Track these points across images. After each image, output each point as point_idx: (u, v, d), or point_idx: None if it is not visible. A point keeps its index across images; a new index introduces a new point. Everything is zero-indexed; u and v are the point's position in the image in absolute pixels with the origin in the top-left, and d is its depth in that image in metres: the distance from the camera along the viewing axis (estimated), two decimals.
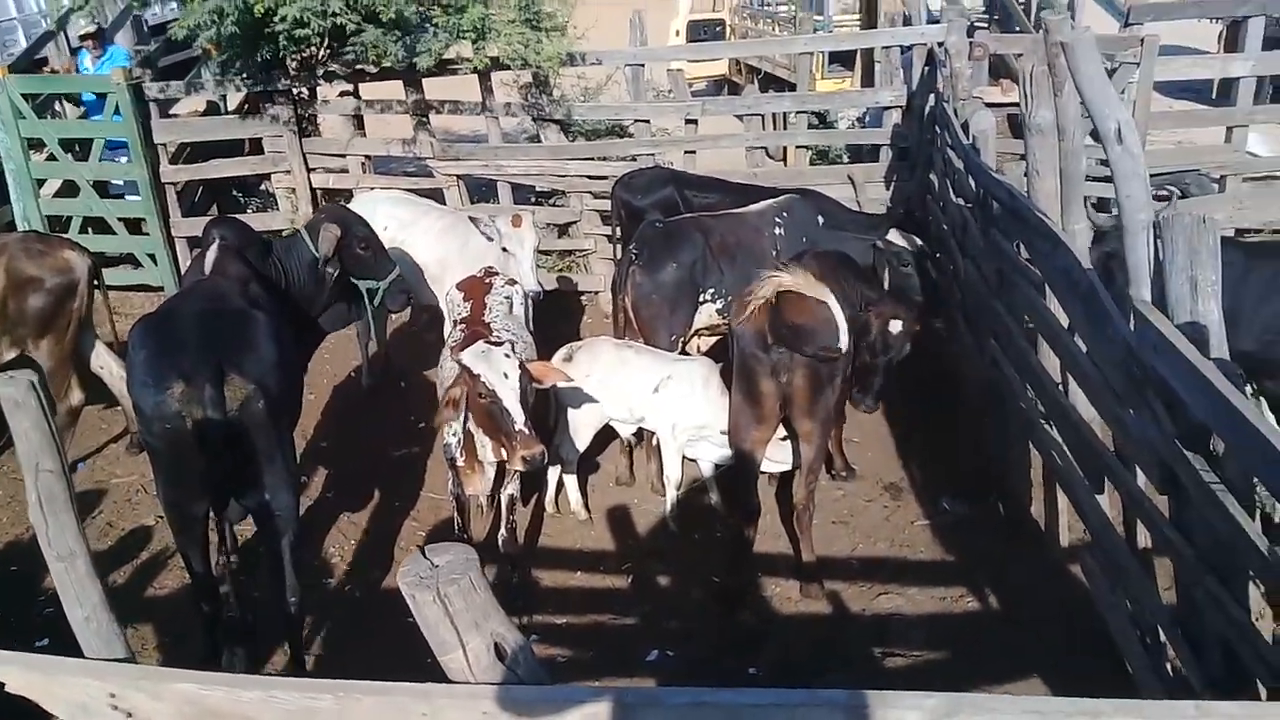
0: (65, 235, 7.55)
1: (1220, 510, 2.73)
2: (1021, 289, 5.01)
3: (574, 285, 8.63)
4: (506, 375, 4.32)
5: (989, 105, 7.13)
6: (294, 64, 8.16)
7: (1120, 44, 7.72)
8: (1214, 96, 11.71)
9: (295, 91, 8.30)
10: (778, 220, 6.43)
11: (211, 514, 4.45)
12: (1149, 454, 3.30)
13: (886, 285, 6.20)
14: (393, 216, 6.84)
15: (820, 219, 6.48)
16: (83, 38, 9.13)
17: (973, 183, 5.95)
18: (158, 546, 5.50)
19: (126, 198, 8.74)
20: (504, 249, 6.38)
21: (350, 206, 7.04)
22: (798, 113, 8.97)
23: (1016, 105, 5.44)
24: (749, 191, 7.07)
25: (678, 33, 16.74)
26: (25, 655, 2.21)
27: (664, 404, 5.40)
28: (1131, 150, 3.41)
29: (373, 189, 7.96)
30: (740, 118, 8.86)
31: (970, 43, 7.71)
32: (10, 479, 6.26)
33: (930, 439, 6.22)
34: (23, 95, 8.19)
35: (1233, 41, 8.09)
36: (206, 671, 2.14)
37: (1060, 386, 4.57)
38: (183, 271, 8.42)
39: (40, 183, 8.48)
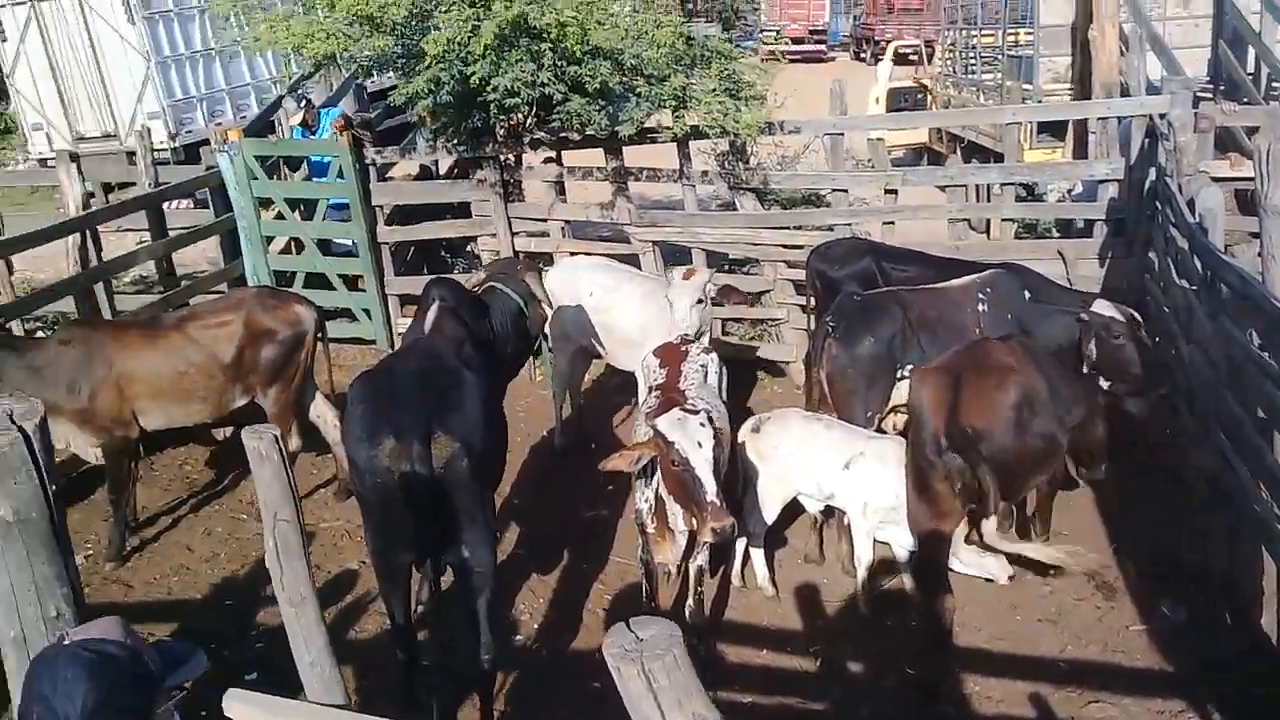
0: (292, 290, 8.09)
1: None
2: (1256, 380, 4.64)
3: (763, 355, 8.59)
4: (700, 444, 4.29)
5: (1216, 180, 6.74)
6: (502, 131, 8.54)
7: None
8: None
9: (502, 158, 8.67)
10: (981, 295, 6.20)
11: (415, 566, 4.61)
12: None
13: (1094, 358, 5.87)
14: (596, 283, 7.01)
15: (1027, 294, 6.22)
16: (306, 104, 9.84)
17: (1198, 264, 5.59)
18: (360, 590, 5.73)
19: (348, 255, 9.28)
20: (666, 296, 6.38)
21: (554, 271, 7.29)
22: (1004, 184, 8.71)
23: (1247, 180, 5.10)
24: (951, 265, 6.87)
25: (877, 100, 16.64)
26: (252, 694, 2.32)
27: (854, 482, 5.26)
28: None
29: (574, 254, 8.21)
30: (943, 188, 8.67)
31: (1195, 114, 7.31)
32: (229, 517, 6.69)
33: (1149, 535, 5.79)
34: (255, 158, 8.87)
35: None
36: None
37: None
38: (393, 326, 8.95)
39: (269, 240, 9.13)
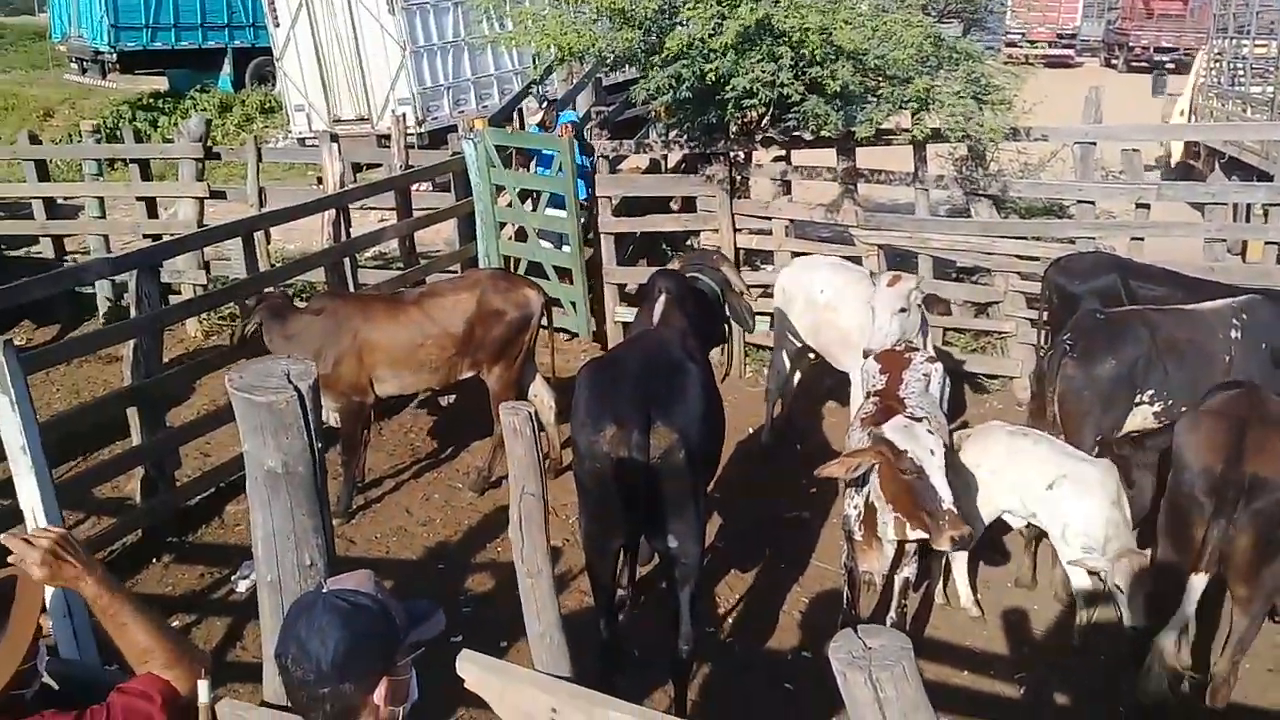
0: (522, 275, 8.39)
1: None
2: None
3: (985, 370, 8.27)
4: (933, 452, 4.21)
5: None
6: (734, 128, 8.57)
7: None
8: None
9: (732, 154, 8.70)
10: (1235, 322, 5.73)
11: (624, 550, 4.71)
12: None
13: None
14: (829, 282, 6.92)
15: None
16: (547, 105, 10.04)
17: None
18: (562, 568, 5.87)
19: (561, 248, 9.40)
20: (869, 303, 6.19)
21: (789, 269, 7.22)
22: (1269, 205, 7.99)
23: None
24: (1205, 288, 6.37)
25: (1182, 113, 15.40)
26: (488, 659, 2.42)
27: (1056, 503, 4.99)
28: None
29: (796, 255, 8.16)
30: (1199, 206, 8.06)
31: None
32: (446, 485, 7.04)
33: None
34: (495, 147, 9.21)
35: None
36: (637, 706, 2.23)
37: None
38: (608, 316, 9.12)
39: (500, 226, 9.48)
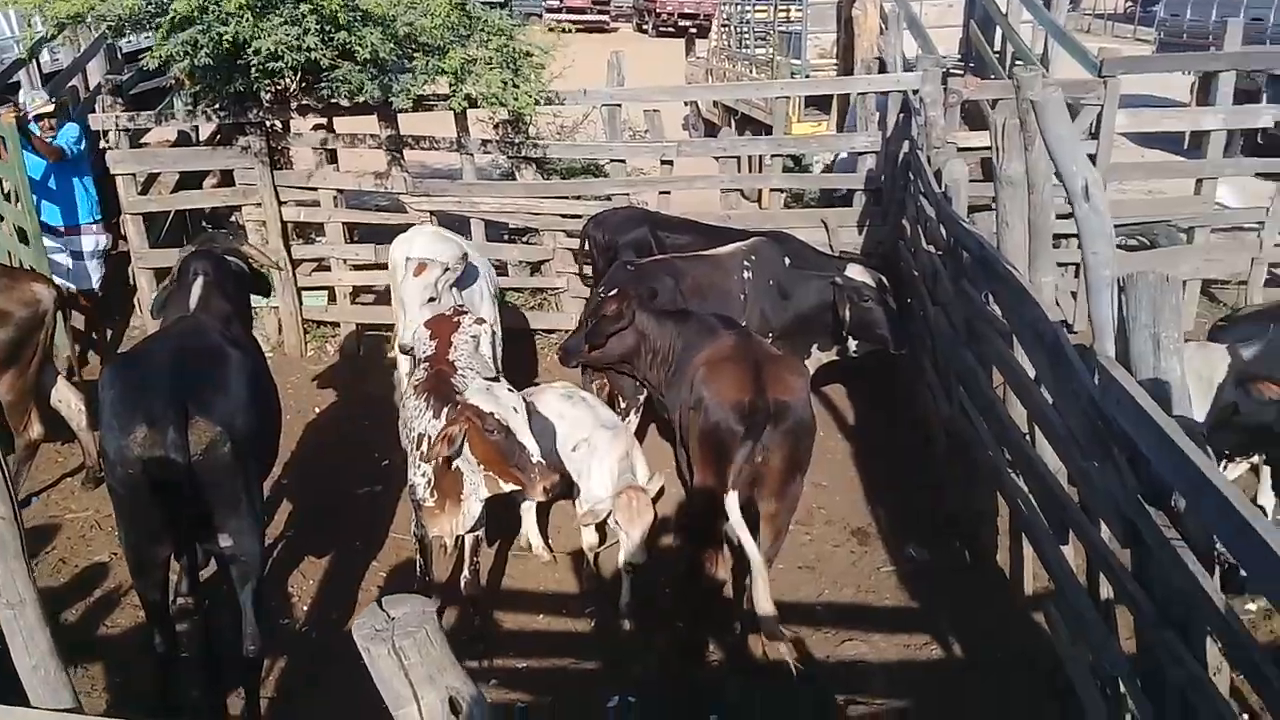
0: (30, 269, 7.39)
1: (1180, 566, 2.73)
2: (990, 339, 5.03)
3: (543, 325, 8.63)
4: (516, 409, 4.41)
5: (963, 150, 7.24)
6: (267, 96, 8.14)
7: (1084, 87, 7.88)
8: (1185, 148, 11.89)
9: (268, 124, 8.27)
10: (746, 263, 6.46)
11: (173, 557, 4.38)
12: (1112, 508, 3.30)
13: (849, 320, 6.24)
14: (425, 250, 6.62)
15: (786, 260, 6.51)
16: (38, 118, 7.77)
17: (944, 231, 6.00)
18: (111, 584, 5.40)
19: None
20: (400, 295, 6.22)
21: (399, 238, 6.80)
22: (773, 156, 9.03)
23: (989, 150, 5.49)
24: (722, 233, 7.11)
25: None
26: None
27: (576, 464, 5.31)
28: (1098, 208, 3.45)
29: (363, 225, 7.92)
30: (717, 159, 8.92)
31: (945, 90, 7.81)
32: None
33: (899, 484, 6.23)
34: None
35: (1205, 94, 8.24)
36: None
37: (1027, 437, 4.59)
38: (144, 305, 8.30)
39: None
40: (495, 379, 4.91)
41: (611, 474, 5.19)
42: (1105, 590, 3.84)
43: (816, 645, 4.87)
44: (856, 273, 6.44)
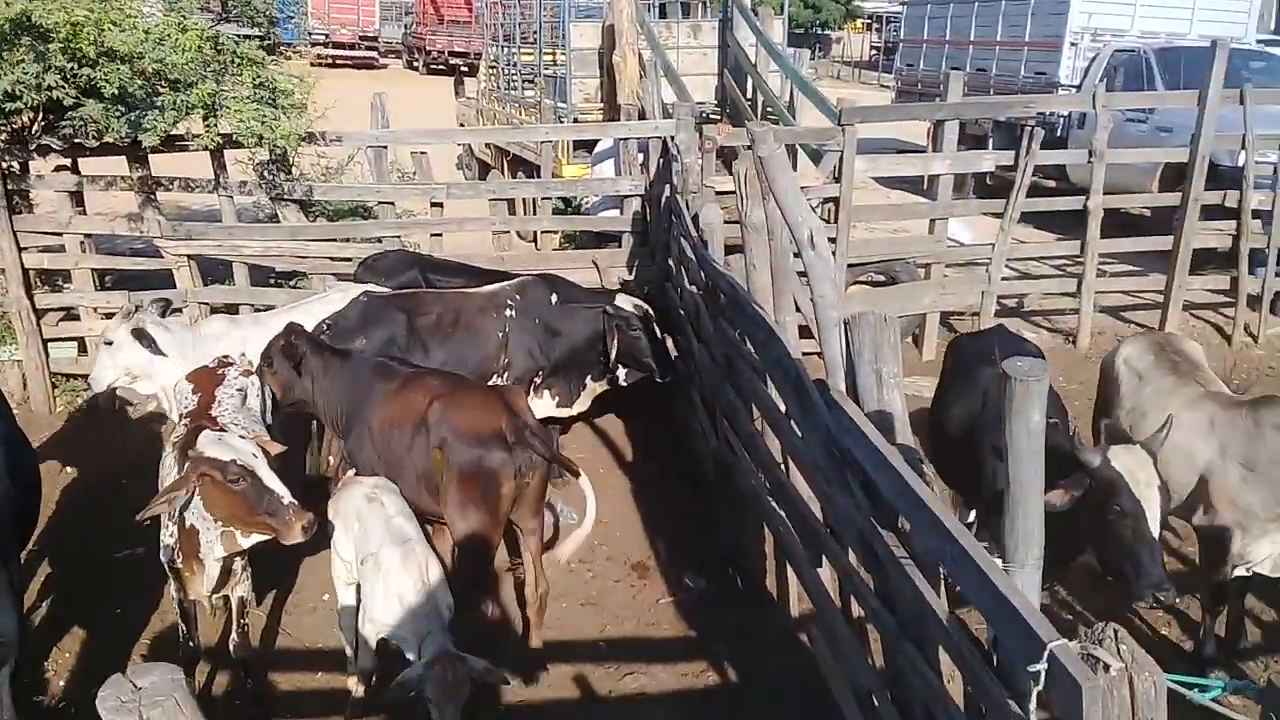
0: None
1: (909, 583, 3.03)
2: (746, 375, 5.36)
3: None
4: (256, 455, 4.17)
5: (721, 193, 7.64)
6: (3, 136, 7.60)
7: (827, 134, 8.51)
8: (926, 189, 12.95)
9: (5, 165, 7.71)
10: (510, 302, 6.52)
11: None
12: (852, 531, 3.60)
13: (616, 349, 6.45)
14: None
15: (554, 297, 6.64)
16: None
17: (702, 273, 6.32)
18: None
19: None
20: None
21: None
22: (543, 198, 9.19)
23: None
24: (495, 276, 7.16)
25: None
26: None
27: (363, 579, 4.63)
28: (823, 254, 3.77)
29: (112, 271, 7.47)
30: (489, 201, 8.99)
31: (701, 136, 8.22)
32: None
33: (675, 517, 6.46)
34: None
35: (937, 140, 9.05)
36: None
37: (782, 466, 4.90)
38: None
39: None
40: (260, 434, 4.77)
41: (402, 602, 4.20)
42: (857, 609, 4.16)
43: (599, 681, 4.98)
44: (624, 302, 6.67)
